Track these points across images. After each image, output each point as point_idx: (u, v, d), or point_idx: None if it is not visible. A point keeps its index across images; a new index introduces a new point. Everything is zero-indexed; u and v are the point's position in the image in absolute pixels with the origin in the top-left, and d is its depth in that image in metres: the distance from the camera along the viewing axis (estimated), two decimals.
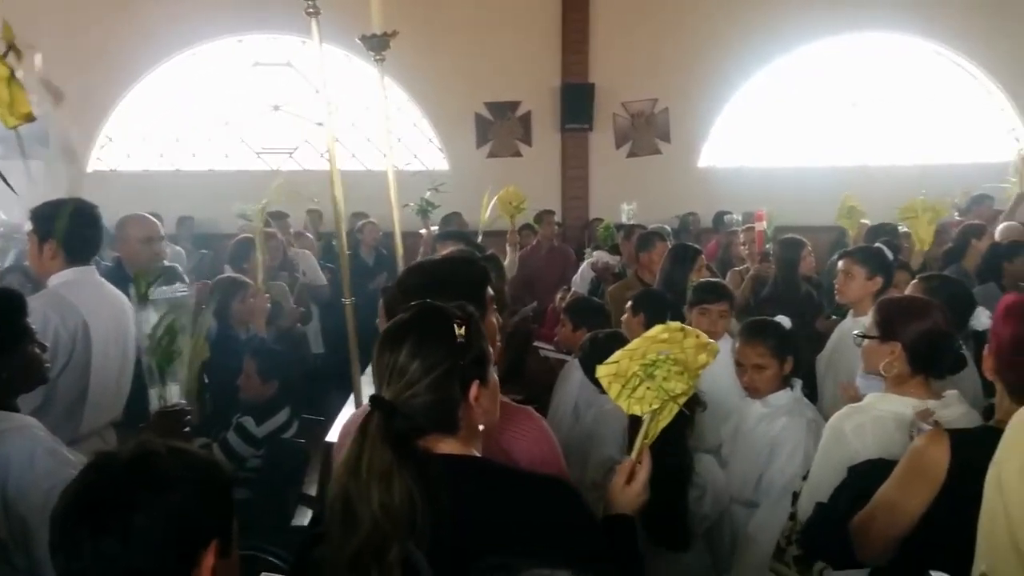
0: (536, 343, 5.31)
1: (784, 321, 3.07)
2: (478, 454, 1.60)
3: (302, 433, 3.90)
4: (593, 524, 1.63)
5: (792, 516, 2.43)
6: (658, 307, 4.12)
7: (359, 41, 4.16)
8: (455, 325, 1.55)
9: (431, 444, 1.53)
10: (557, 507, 1.54)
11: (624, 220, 7.14)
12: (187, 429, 2.66)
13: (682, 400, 1.81)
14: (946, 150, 10.07)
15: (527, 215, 6.92)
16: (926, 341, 2.31)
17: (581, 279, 6.34)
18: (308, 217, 7.01)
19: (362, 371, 3.94)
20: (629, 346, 1.82)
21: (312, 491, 3.95)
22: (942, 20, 9.66)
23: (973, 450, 1.67)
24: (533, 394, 4.77)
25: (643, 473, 1.77)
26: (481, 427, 1.59)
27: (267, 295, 4.73)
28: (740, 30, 9.60)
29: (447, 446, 1.55)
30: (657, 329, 1.81)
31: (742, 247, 5.96)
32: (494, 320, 2.03)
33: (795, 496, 2.49)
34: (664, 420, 1.82)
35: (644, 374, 1.78)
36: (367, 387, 3.71)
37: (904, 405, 2.27)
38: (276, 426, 3.80)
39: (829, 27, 9.78)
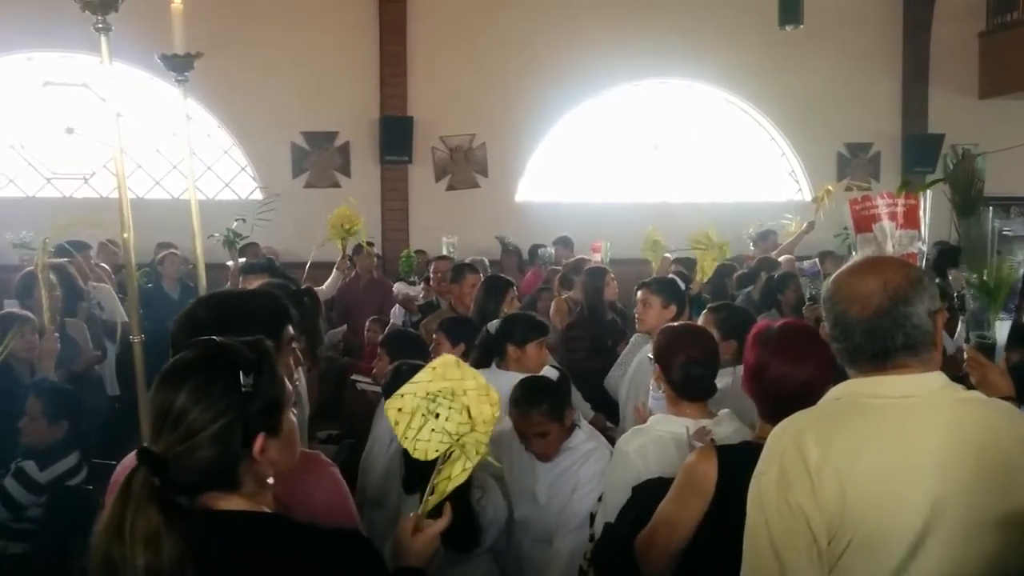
0: (354, 376, 5.23)
1: (550, 373, 3.09)
2: (267, 509, 1.48)
3: (91, 479, 3.61)
4: None
5: (592, 537, 2.54)
6: (473, 335, 4.18)
7: (159, 60, 3.97)
8: (241, 371, 1.41)
9: (210, 501, 1.41)
10: (351, 564, 1.46)
11: (444, 252, 7.21)
12: None
13: (475, 460, 1.72)
14: (737, 189, 10.96)
15: (360, 238, 6.68)
16: (679, 369, 2.51)
17: (398, 311, 6.32)
18: (101, 249, 6.55)
19: None
20: (415, 377, 1.74)
21: None
22: (729, 71, 10.55)
23: (738, 464, 1.81)
24: (350, 429, 4.69)
25: (435, 527, 1.69)
26: (271, 479, 1.47)
27: (56, 335, 4.37)
28: (553, 72, 10.03)
29: (229, 502, 1.42)
30: (438, 360, 1.75)
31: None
32: (291, 361, 1.91)
33: (594, 518, 2.60)
34: (456, 480, 1.72)
35: (427, 411, 1.70)
36: None
37: (681, 425, 2.45)
38: (62, 471, 3.51)
39: (633, 72, 10.41)
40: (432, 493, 1.72)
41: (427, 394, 1.70)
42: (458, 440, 1.70)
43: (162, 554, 1.28)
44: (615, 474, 2.49)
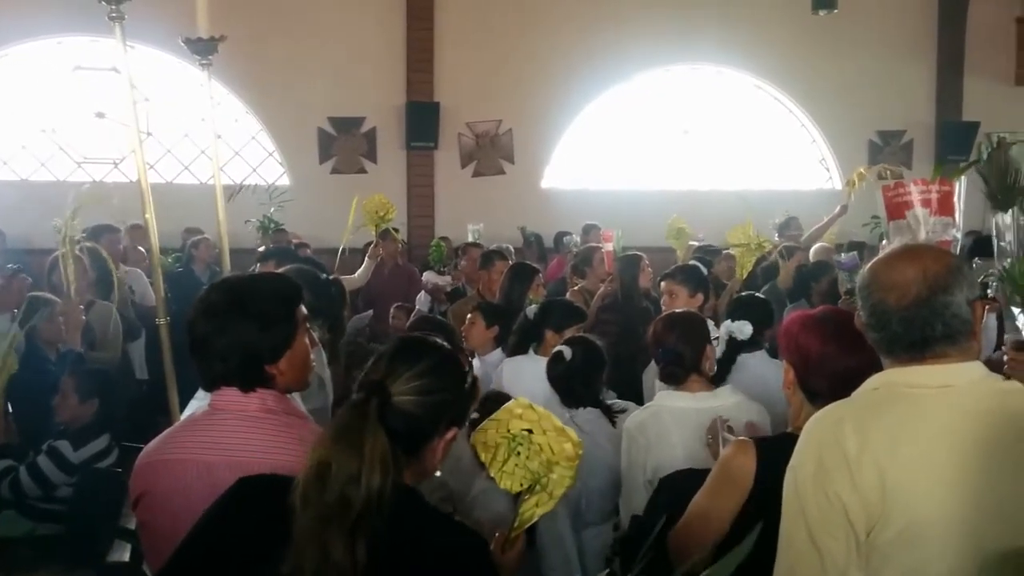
0: None
1: (567, 351, 3.09)
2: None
3: (121, 462, 3.65)
4: None
5: (616, 527, 2.54)
6: (506, 321, 4.20)
7: (182, 44, 3.98)
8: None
9: None
10: (475, 564, 1.49)
11: (471, 239, 7.19)
12: None
13: (559, 493, 1.76)
14: (766, 177, 10.83)
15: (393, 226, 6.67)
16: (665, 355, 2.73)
17: (424, 298, 6.32)
18: (130, 232, 6.61)
19: (190, 395, 3.73)
20: (496, 415, 1.80)
21: (131, 524, 3.69)
22: (760, 57, 10.42)
23: (777, 457, 1.76)
24: None
25: (515, 550, 1.76)
26: (438, 473, 1.58)
27: (81, 307, 4.42)
28: (580, 58, 9.96)
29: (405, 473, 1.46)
30: (513, 403, 1.80)
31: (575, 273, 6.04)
32: (306, 341, 1.91)
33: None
34: (541, 509, 1.77)
35: (509, 449, 1.76)
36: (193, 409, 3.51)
37: (681, 399, 2.65)
38: (94, 452, 3.55)
39: (662, 58, 10.33)
40: (519, 524, 1.77)
41: (508, 431, 1.76)
42: (541, 477, 1.76)
43: (391, 479, 1.32)
44: (627, 454, 2.67)
